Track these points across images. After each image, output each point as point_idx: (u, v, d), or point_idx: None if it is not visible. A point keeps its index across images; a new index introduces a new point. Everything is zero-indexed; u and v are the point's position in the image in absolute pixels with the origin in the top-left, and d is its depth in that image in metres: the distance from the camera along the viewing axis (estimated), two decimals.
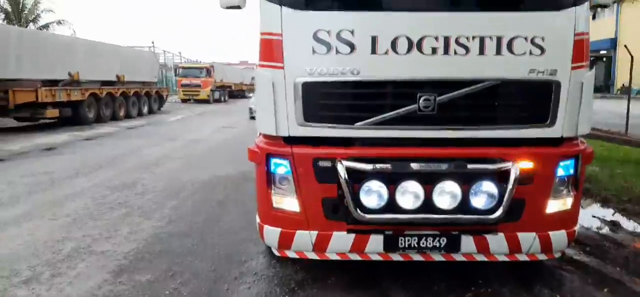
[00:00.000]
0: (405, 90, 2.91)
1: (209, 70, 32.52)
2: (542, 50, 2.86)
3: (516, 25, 2.85)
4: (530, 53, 2.86)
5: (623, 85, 27.66)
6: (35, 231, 4.90)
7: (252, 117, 16.19)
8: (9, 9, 28.21)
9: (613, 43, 29.29)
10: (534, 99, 2.97)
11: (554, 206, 3.14)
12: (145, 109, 21.13)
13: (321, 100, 2.97)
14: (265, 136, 3.21)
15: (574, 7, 2.86)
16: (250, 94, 26.20)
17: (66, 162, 8.93)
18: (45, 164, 8.82)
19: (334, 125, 3.00)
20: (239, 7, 3.24)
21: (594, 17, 25.16)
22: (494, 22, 2.85)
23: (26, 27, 27.19)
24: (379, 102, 2.96)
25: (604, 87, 30.96)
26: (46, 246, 4.44)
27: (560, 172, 3.09)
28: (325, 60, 2.89)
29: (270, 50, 2.99)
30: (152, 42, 35.66)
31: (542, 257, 3.31)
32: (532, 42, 2.85)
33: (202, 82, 31.77)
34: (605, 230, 4.84)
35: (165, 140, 12.20)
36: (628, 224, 5.01)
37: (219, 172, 7.81)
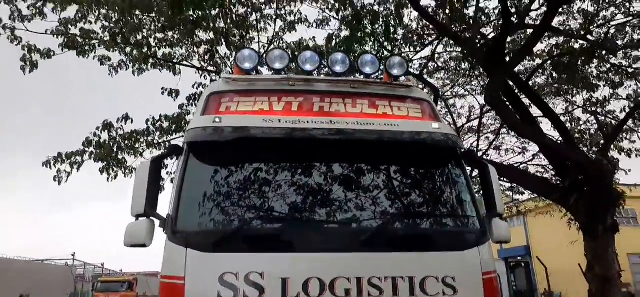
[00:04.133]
0: None
1: (131, 284, 29.82)
2: (455, 290, 2.86)
3: (426, 266, 2.88)
4: (443, 293, 2.84)
5: (545, 290, 29.17)
6: None
7: None
8: None
9: (527, 250, 31.84)
10: None
11: None
12: None
13: None
14: None
15: (477, 247, 2.99)
16: None
17: None
18: None
19: None
20: (144, 245, 3.04)
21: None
22: (405, 262, 2.88)
23: None
24: None
25: (528, 292, 32.28)
26: None
27: None
28: None
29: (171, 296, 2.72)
30: (73, 255, 32.62)
31: None
32: (444, 282, 2.86)
33: None
34: None
35: None
36: None
37: None
